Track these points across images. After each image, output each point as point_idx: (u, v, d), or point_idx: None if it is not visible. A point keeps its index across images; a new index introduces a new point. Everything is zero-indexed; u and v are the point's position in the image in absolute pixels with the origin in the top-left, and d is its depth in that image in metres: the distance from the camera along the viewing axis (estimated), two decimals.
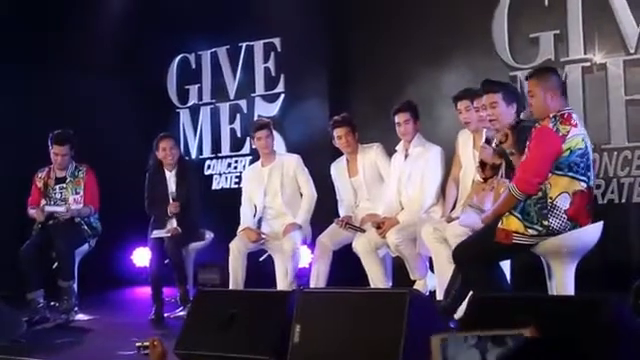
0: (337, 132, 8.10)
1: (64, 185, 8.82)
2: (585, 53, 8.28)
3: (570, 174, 5.79)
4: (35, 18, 10.75)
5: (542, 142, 5.83)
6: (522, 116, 6.31)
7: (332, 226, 8.07)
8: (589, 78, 8.28)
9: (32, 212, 8.77)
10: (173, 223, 8.56)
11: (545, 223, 5.80)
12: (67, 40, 10.97)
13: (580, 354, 3.93)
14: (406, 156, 7.76)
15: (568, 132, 5.79)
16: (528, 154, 5.88)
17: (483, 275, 5.94)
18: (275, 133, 8.77)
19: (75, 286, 8.60)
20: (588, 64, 8.28)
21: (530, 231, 5.84)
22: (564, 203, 5.78)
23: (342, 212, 8.23)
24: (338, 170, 8.31)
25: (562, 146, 5.76)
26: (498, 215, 5.96)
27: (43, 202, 8.80)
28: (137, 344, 6.21)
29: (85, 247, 8.77)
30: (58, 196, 8.81)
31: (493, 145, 6.45)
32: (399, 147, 7.85)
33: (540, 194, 5.80)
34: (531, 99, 5.98)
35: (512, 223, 5.86)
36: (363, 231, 7.81)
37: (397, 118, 7.74)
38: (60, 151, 8.76)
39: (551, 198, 5.78)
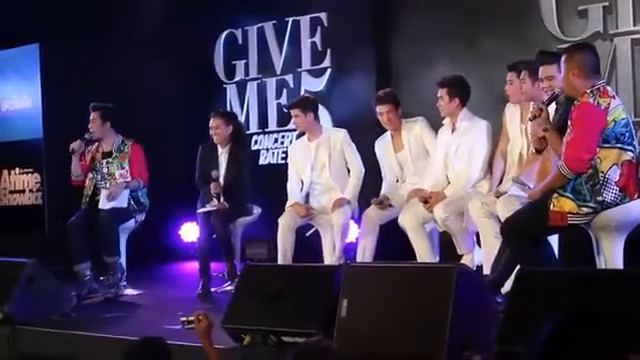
0: (379, 109, 8.05)
1: (110, 160, 8.86)
2: (634, 25, 8.18)
3: (618, 145, 5.74)
4: None
5: (586, 118, 5.77)
6: (556, 91, 6.24)
7: None
8: (639, 50, 8.18)
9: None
10: (220, 199, 8.57)
11: (599, 199, 5.74)
12: (115, 16, 11.04)
13: (631, 329, 3.90)
14: (453, 130, 7.71)
15: (609, 104, 5.77)
16: (574, 132, 5.79)
17: (531, 250, 5.90)
18: (321, 108, 8.75)
19: (122, 261, 8.66)
20: (638, 36, 8.18)
21: (584, 209, 5.78)
22: (614, 175, 5.73)
23: (383, 190, 8.19)
24: (383, 146, 8.23)
25: (607, 118, 5.73)
26: (546, 192, 5.90)
27: (90, 175, 8.87)
28: (182, 319, 6.24)
29: (131, 222, 8.81)
30: (105, 170, 8.85)
31: (529, 118, 6.39)
32: (446, 121, 7.80)
33: (591, 171, 5.74)
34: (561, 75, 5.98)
35: (565, 204, 5.79)
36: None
37: (440, 92, 7.69)
38: (92, 116, 8.85)
39: (602, 172, 5.72)
